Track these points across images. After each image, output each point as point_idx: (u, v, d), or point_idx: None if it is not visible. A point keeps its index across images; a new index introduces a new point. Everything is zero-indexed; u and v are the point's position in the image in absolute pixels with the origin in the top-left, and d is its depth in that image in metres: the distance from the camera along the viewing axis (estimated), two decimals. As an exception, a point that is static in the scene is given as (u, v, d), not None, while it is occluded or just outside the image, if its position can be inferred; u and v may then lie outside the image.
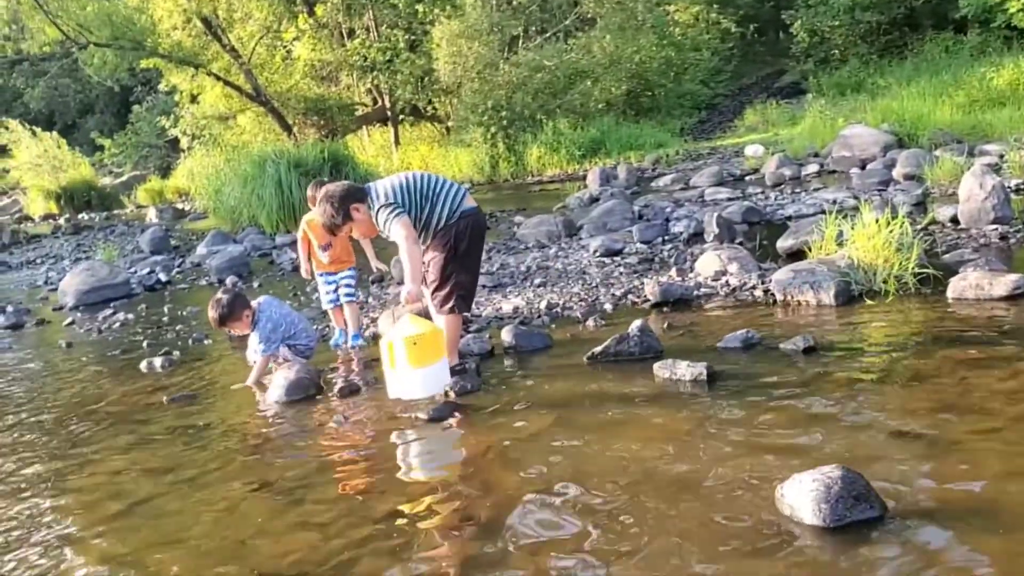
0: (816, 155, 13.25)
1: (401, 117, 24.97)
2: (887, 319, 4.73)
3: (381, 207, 4.30)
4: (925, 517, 2.52)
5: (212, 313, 5.11)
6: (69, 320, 8.31)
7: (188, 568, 2.85)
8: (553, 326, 5.51)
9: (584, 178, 14.90)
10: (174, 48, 22.83)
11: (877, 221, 5.39)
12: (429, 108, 24.65)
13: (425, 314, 4.87)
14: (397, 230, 4.30)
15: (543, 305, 6.01)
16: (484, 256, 8.12)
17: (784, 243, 6.66)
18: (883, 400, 3.50)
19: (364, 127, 25.96)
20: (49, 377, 6.05)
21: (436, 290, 4.54)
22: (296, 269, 9.65)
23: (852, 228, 5.56)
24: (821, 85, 20.50)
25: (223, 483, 3.59)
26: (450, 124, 23.05)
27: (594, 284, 6.51)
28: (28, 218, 26.52)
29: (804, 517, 2.53)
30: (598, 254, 7.54)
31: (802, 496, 2.55)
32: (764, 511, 2.66)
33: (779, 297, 5.34)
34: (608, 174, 14.23)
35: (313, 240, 5.68)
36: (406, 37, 22.46)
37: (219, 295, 5.16)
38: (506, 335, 5.10)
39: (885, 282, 5.16)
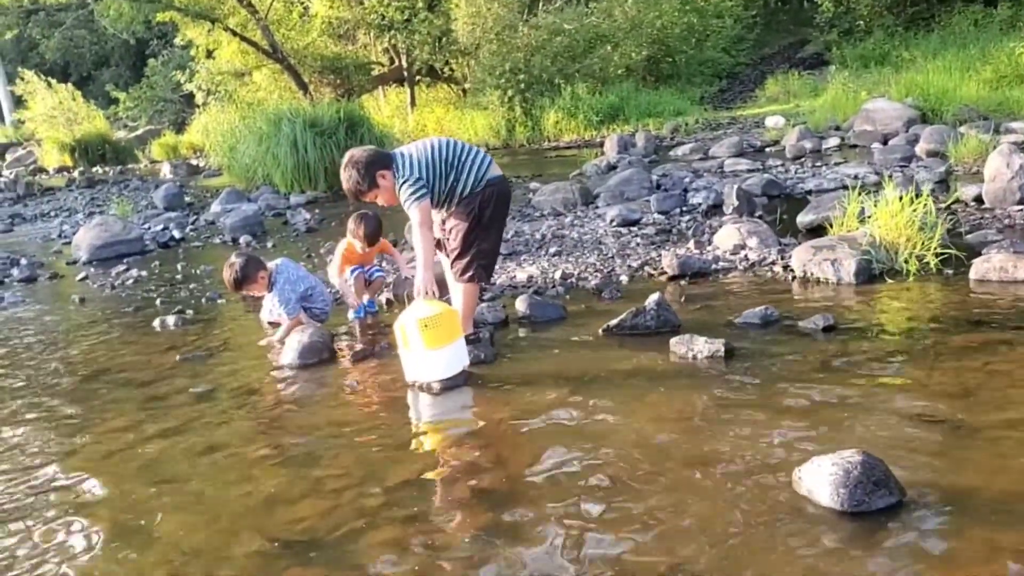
0: (837, 128, 13.06)
1: (418, 78, 24.76)
2: (908, 300, 4.68)
3: (405, 182, 4.23)
4: (945, 505, 2.48)
5: (227, 277, 5.09)
6: (82, 275, 8.30)
7: (199, 533, 2.85)
8: (568, 296, 5.46)
9: (601, 145, 14.77)
10: (190, 1, 22.60)
11: (901, 199, 5.31)
12: (446, 69, 24.42)
13: (440, 279, 4.83)
14: (414, 215, 4.25)
15: (558, 275, 5.97)
16: (499, 222, 8.09)
17: (804, 218, 6.58)
18: (903, 383, 3.46)
19: (380, 87, 25.76)
20: (62, 333, 6.05)
21: (457, 258, 4.47)
22: (310, 230, 9.65)
23: (875, 205, 5.48)
24: (845, 56, 20.14)
25: (235, 446, 3.58)
26: (467, 86, 22.84)
27: (610, 254, 6.45)
28: (42, 170, 26.46)
29: (821, 501, 2.50)
30: (615, 224, 7.48)
31: (820, 479, 2.52)
32: (780, 493, 2.63)
33: (798, 273, 5.28)
34: (626, 141, 14.07)
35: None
36: (424, -5, 22.19)
37: (232, 259, 5.13)
38: (520, 305, 5.06)
39: (906, 262, 5.09)
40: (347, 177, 4.34)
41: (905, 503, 2.50)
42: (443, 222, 4.54)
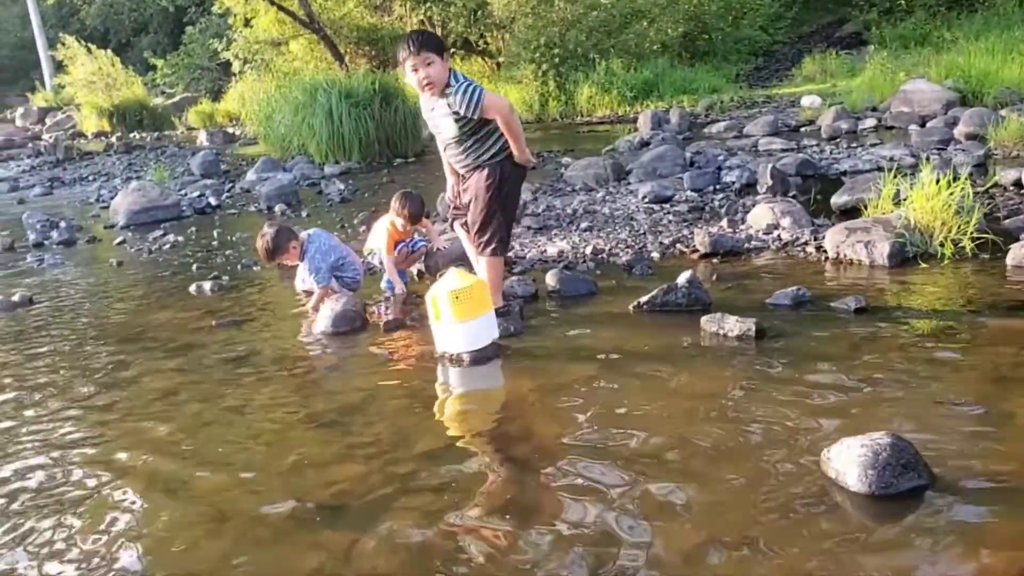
0: (874, 109, 12.89)
1: (452, 50, 24.69)
2: (942, 283, 4.64)
3: (471, 84, 4.22)
4: (974, 490, 2.49)
5: (259, 247, 5.19)
6: (120, 239, 8.44)
7: (232, 495, 2.92)
8: (598, 272, 5.47)
9: (635, 121, 14.68)
10: (228, -31, 22.71)
11: (937, 182, 5.25)
12: (480, 42, 24.34)
13: (463, 255, 4.88)
14: (494, 100, 4.23)
15: (588, 250, 5.98)
16: (531, 197, 8.12)
17: (839, 199, 6.53)
18: (935, 367, 3.44)
19: (415, 59, 25.69)
20: (99, 296, 6.16)
21: (479, 232, 4.49)
22: (344, 201, 9.71)
23: (910, 188, 5.42)
24: (884, 36, 19.83)
25: (269, 411, 3.66)
26: (501, 60, 22.76)
27: (642, 231, 6.44)
28: (81, 135, 26.81)
29: (849, 482, 2.51)
30: (647, 200, 7.45)
31: (849, 461, 2.53)
32: (808, 473, 2.65)
33: (831, 254, 5.25)
34: (660, 118, 13.98)
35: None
36: (461, -32, 22.08)
37: (264, 229, 5.21)
38: (550, 279, 5.09)
39: (942, 245, 5.04)
40: (406, 43, 4.22)
41: (934, 487, 2.50)
42: (463, 187, 4.57)
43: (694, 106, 16.44)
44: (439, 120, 4.40)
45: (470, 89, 4.22)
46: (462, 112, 4.24)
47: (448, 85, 4.25)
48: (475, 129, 4.34)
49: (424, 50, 4.18)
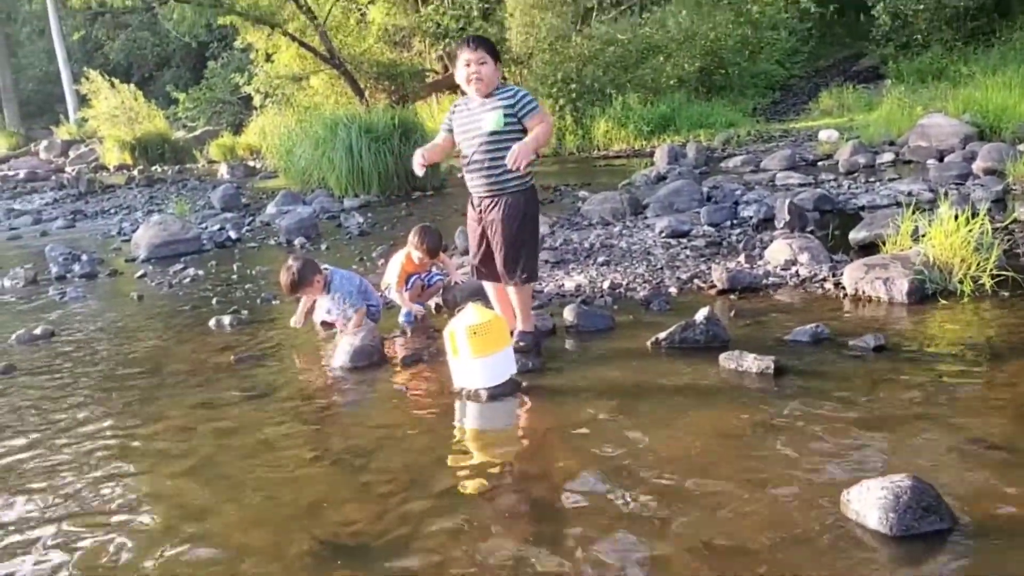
0: (892, 143, 12.87)
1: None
2: (962, 321, 4.62)
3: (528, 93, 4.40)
4: (997, 533, 2.46)
5: (284, 280, 5.22)
6: (141, 272, 8.51)
7: (249, 532, 2.92)
8: (615, 307, 5.47)
9: (651, 155, 14.72)
10: (251, 6, 23.00)
11: (956, 218, 5.24)
12: (499, 77, 24.55)
13: (479, 290, 4.90)
14: (547, 113, 4.44)
15: (606, 285, 5.98)
16: (548, 231, 8.15)
17: (857, 235, 6.51)
18: (956, 406, 3.42)
19: (434, 94, 25.98)
20: (120, 330, 6.21)
21: (509, 266, 4.48)
22: (363, 234, 9.77)
23: (929, 224, 5.41)
24: (901, 71, 19.82)
25: (286, 447, 3.66)
26: (519, 94, 22.92)
27: (659, 266, 6.45)
28: (103, 167, 27.12)
29: (869, 524, 2.50)
30: (664, 235, 7.47)
31: (869, 503, 2.51)
32: (828, 515, 2.63)
33: (850, 291, 5.24)
34: (677, 152, 14.01)
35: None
36: (480, 5, 22.30)
37: (289, 262, 5.26)
38: (568, 314, 5.09)
39: (961, 282, 5.02)
40: (467, 43, 4.41)
41: (955, 530, 2.48)
42: (487, 219, 4.54)
43: (711, 140, 16.47)
44: (483, 114, 4.38)
45: (529, 94, 4.43)
46: (516, 108, 4.35)
47: (499, 88, 4.42)
48: (514, 134, 4.37)
49: (481, 49, 4.37)
